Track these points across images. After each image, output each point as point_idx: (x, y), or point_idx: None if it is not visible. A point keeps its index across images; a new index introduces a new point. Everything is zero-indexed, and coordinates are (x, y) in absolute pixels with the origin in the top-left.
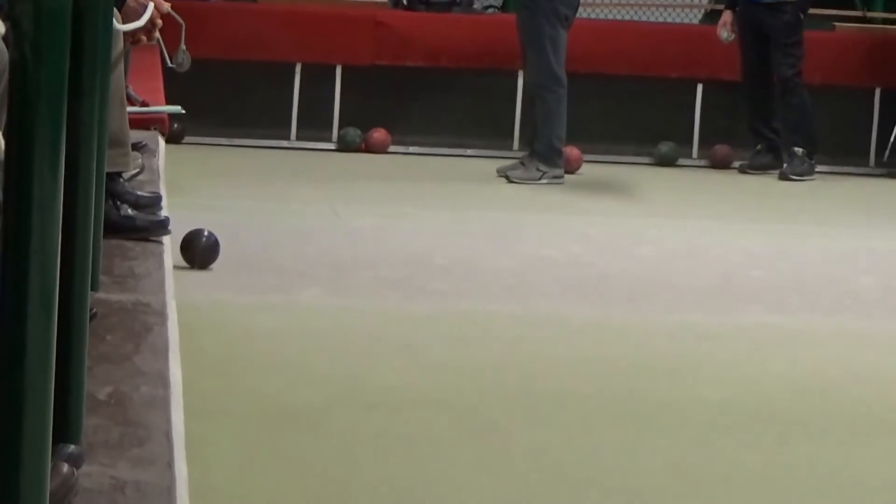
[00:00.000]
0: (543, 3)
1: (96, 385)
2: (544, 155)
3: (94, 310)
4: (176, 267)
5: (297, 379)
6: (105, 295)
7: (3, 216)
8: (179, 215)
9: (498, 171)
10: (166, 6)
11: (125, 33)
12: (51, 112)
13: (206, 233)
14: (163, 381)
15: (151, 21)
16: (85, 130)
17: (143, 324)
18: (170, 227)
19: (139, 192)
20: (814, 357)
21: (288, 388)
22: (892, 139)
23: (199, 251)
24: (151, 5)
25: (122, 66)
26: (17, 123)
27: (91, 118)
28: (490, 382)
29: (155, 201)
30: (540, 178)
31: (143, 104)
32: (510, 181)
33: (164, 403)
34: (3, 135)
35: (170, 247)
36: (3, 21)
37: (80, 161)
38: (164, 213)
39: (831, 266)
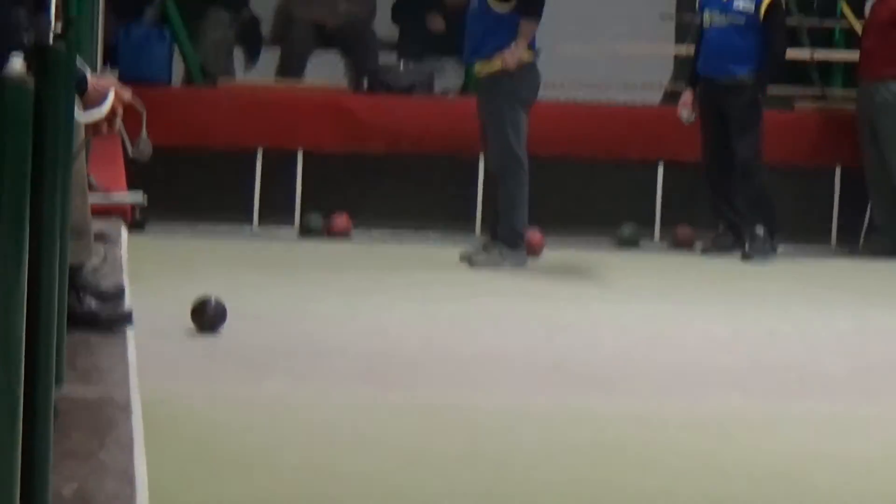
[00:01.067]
0: (505, 85)
1: (62, 481)
2: (507, 239)
3: (59, 406)
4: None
5: (263, 473)
6: (69, 389)
7: None
8: (143, 305)
9: (461, 256)
10: (127, 94)
11: (86, 122)
12: (13, 206)
13: (213, 300)
14: (128, 477)
15: (112, 110)
16: (48, 225)
17: (108, 419)
18: (133, 321)
19: (102, 284)
20: (781, 441)
21: (254, 483)
22: (865, 225)
23: (207, 317)
24: (112, 93)
25: (83, 155)
26: None
27: (54, 212)
28: (456, 474)
29: (118, 294)
30: (502, 263)
31: (105, 193)
32: (473, 266)
33: (130, 500)
34: None
35: (133, 339)
36: None
37: (43, 255)
38: (127, 304)
39: (796, 348)
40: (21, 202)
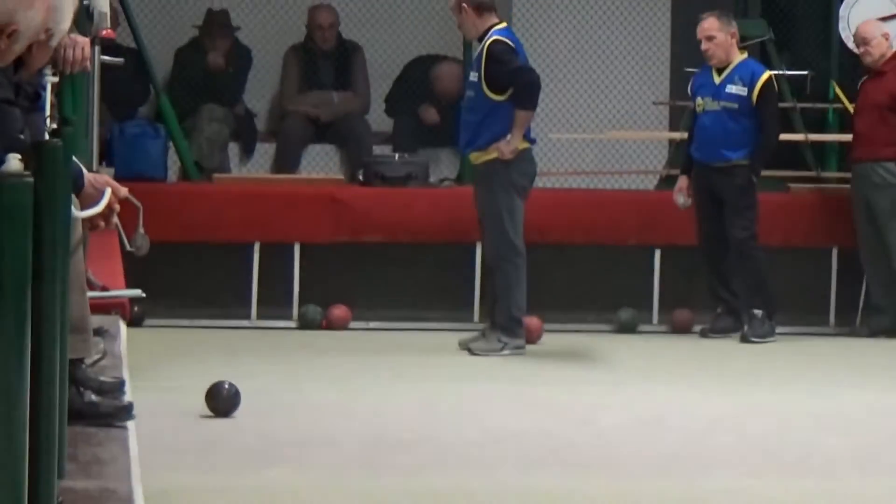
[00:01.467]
0: (501, 174)
1: None
2: (505, 326)
3: (62, 498)
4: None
5: None
6: (71, 483)
7: None
8: (143, 398)
9: (460, 343)
10: (123, 191)
11: (83, 218)
12: (15, 305)
13: (227, 385)
14: None
15: (109, 206)
16: (48, 320)
17: None
18: (134, 413)
19: (102, 378)
20: None
21: None
22: (861, 304)
23: (222, 401)
24: (109, 190)
25: (80, 251)
26: None
27: (53, 307)
28: None
29: (118, 386)
30: (501, 350)
31: (103, 289)
32: (472, 353)
33: None
34: None
35: (134, 431)
36: None
37: (44, 350)
38: (127, 397)
39: (797, 427)
40: (23, 296)
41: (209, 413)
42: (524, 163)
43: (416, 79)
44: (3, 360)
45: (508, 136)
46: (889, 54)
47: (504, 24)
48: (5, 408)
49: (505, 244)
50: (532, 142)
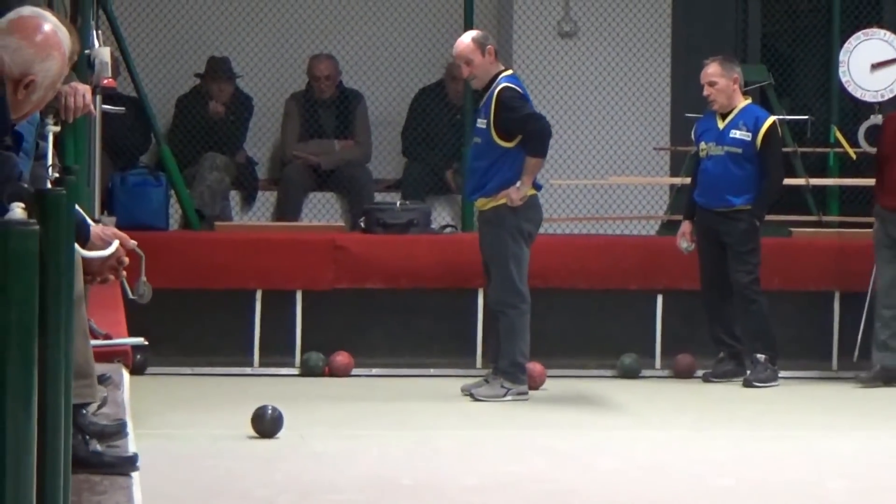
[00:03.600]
0: (509, 220)
1: None
2: (508, 372)
3: None
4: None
5: None
6: None
7: None
8: (147, 446)
9: (462, 389)
10: (132, 243)
11: (90, 272)
12: (23, 352)
13: (270, 408)
14: None
15: (118, 258)
16: (53, 367)
17: None
18: (138, 462)
19: (105, 424)
20: None
21: None
22: (857, 346)
23: (266, 424)
24: (116, 242)
25: (83, 299)
26: None
27: (58, 355)
28: None
29: (120, 429)
30: (504, 395)
31: (106, 337)
32: (475, 399)
33: None
34: None
35: (138, 480)
36: None
37: (49, 398)
38: (131, 446)
39: (800, 471)
40: (30, 344)
41: (211, 459)
42: (531, 209)
43: (425, 113)
44: (11, 409)
45: (518, 183)
46: None
47: (511, 72)
48: (14, 457)
49: (510, 290)
50: (539, 188)
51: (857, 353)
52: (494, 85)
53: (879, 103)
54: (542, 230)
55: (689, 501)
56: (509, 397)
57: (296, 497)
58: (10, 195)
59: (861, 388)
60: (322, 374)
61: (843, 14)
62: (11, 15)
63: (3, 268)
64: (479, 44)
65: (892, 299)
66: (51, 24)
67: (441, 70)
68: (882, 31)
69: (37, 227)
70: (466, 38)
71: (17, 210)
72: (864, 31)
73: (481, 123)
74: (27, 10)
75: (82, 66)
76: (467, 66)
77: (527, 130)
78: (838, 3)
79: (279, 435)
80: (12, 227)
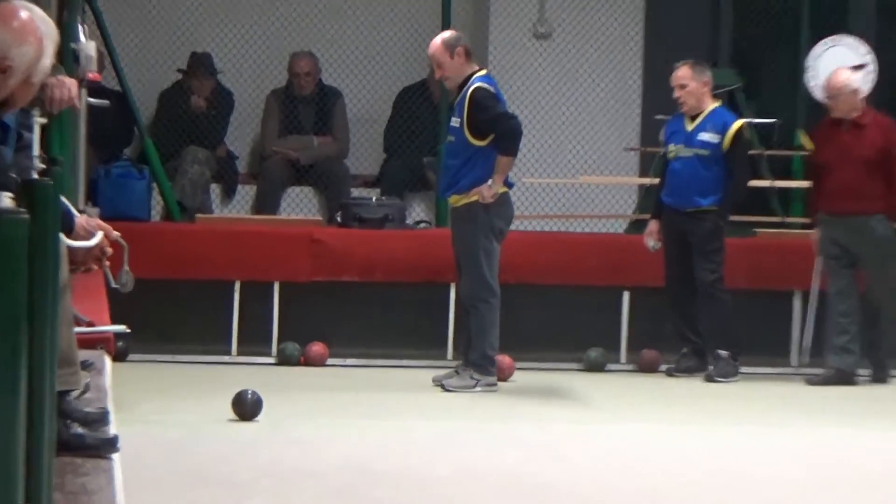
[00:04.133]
0: (481, 216)
1: None
2: (478, 364)
3: None
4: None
5: None
6: None
7: None
8: (128, 431)
9: (434, 380)
10: (115, 234)
11: (75, 261)
12: (11, 339)
13: (250, 392)
14: None
15: (101, 248)
16: (40, 354)
17: None
18: (119, 445)
19: (87, 409)
20: None
21: None
22: (809, 341)
23: (246, 407)
24: (101, 233)
25: (68, 287)
26: None
27: (44, 342)
28: None
29: (102, 417)
30: (474, 387)
31: (89, 324)
32: (446, 390)
33: None
34: None
35: (119, 463)
36: None
37: (35, 383)
38: (112, 429)
39: (762, 463)
40: (19, 331)
41: (191, 445)
42: (503, 206)
43: (408, 110)
44: (1, 394)
45: (490, 181)
46: (862, 108)
47: (485, 71)
48: (2, 439)
49: (481, 285)
50: (510, 186)
51: (802, 352)
52: (468, 85)
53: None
54: (513, 227)
55: (655, 493)
56: (479, 388)
57: (274, 482)
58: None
59: (817, 386)
60: (298, 364)
61: (811, 21)
62: None
63: None
64: (448, 46)
65: (847, 306)
66: (28, 11)
67: (425, 69)
68: (848, 38)
69: (27, 215)
70: (437, 41)
71: (6, 199)
72: (830, 37)
73: (455, 122)
74: None
75: (68, 60)
76: (439, 68)
77: (499, 130)
78: (806, 10)
79: (258, 419)
80: (3, 216)
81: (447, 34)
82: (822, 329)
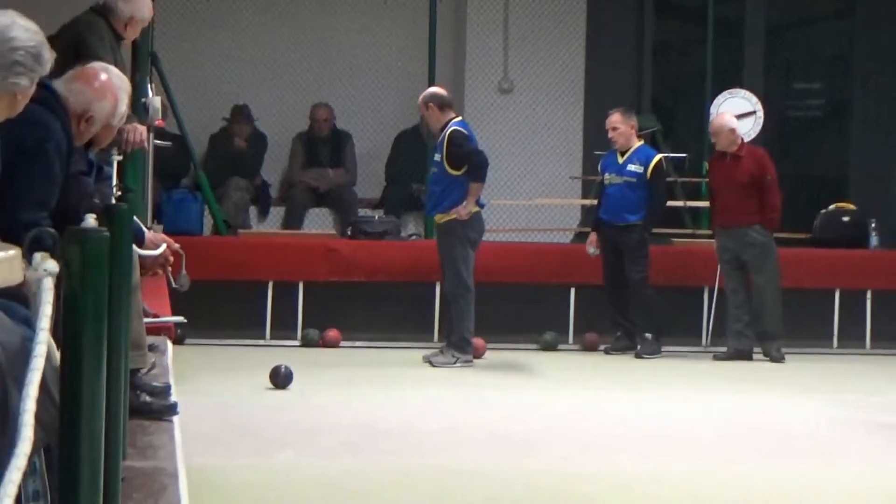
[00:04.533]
0: (458, 230)
1: None
2: (458, 345)
3: (124, 475)
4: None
5: None
6: (131, 462)
7: (60, 410)
8: (185, 399)
9: (423, 358)
10: (175, 245)
11: (144, 267)
12: (95, 330)
13: (283, 367)
14: None
15: (165, 257)
16: (116, 340)
17: (161, 484)
18: (178, 410)
19: (154, 383)
20: (668, 494)
21: None
22: (709, 324)
23: (281, 378)
24: (164, 245)
25: (139, 287)
26: (70, 340)
27: (121, 331)
28: None
29: (166, 389)
30: (455, 363)
31: (155, 316)
32: (433, 365)
33: None
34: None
35: (178, 424)
36: (57, 260)
37: (114, 363)
38: (173, 398)
39: (680, 421)
40: (102, 323)
41: (235, 409)
42: (476, 222)
43: (404, 149)
44: (87, 372)
45: (465, 202)
46: (739, 143)
47: (460, 118)
48: (90, 407)
49: (459, 283)
50: (482, 206)
51: (709, 335)
52: (446, 129)
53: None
54: (485, 238)
55: (596, 444)
56: (458, 364)
57: (299, 437)
58: (86, 209)
59: (719, 362)
60: (318, 346)
61: (714, 76)
62: (78, 67)
63: (82, 265)
64: (424, 101)
65: (740, 300)
66: (106, 73)
67: (417, 117)
68: (742, 91)
69: (107, 233)
70: (420, 98)
71: (90, 220)
72: (729, 90)
73: (437, 157)
74: (92, 63)
75: (139, 111)
76: (421, 117)
77: (470, 162)
78: (710, 68)
79: (290, 388)
80: (89, 234)
81: (426, 92)
82: (721, 318)
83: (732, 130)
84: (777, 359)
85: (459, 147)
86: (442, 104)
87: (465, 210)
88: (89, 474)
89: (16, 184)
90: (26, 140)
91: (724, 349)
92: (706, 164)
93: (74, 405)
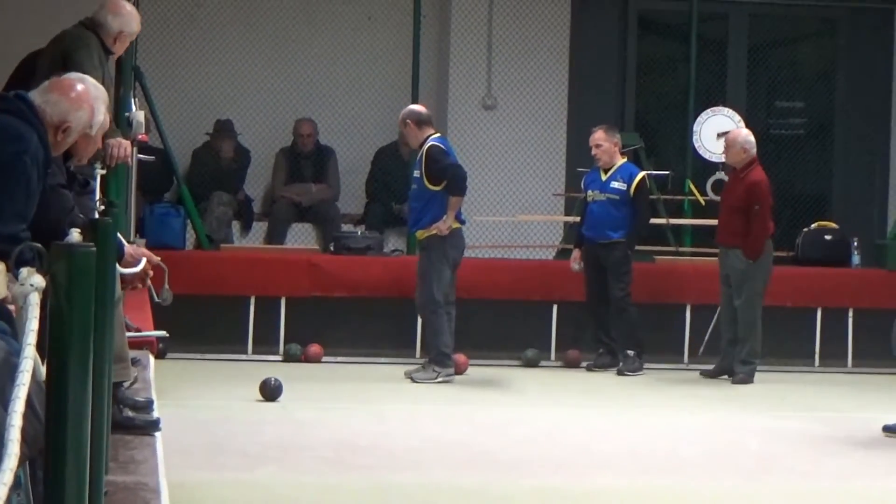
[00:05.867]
0: (438, 246)
1: None
2: (437, 360)
3: (107, 489)
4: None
5: None
6: (113, 477)
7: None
8: (167, 413)
9: (405, 373)
10: (156, 258)
11: (125, 281)
12: (81, 344)
13: (273, 379)
14: None
15: (144, 271)
16: (100, 353)
17: (143, 499)
18: (161, 426)
19: (136, 398)
20: None
21: None
22: (706, 339)
23: (270, 390)
24: (144, 259)
25: (121, 301)
26: (56, 354)
27: (105, 344)
28: None
29: (148, 405)
30: (436, 378)
31: (137, 330)
32: (414, 381)
33: None
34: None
35: (161, 439)
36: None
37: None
38: (155, 413)
39: (661, 438)
40: (88, 336)
41: (216, 424)
42: (456, 238)
43: (383, 165)
44: (74, 385)
45: (444, 217)
46: (748, 162)
47: (439, 134)
48: (74, 419)
49: (429, 299)
50: (462, 223)
51: (702, 350)
52: (424, 145)
53: (722, 163)
54: (467, 254)
55: (577, 461)
56: (440, 379)
57: (280, 452)
58: (70, 223)
59: (704, 378)
60: (300, 361)
61: (697, 94)
62: (54, 78)
63: (68, 279)
64: (402, 119)
65: (726, 316)
66: (82, 83)
67: (396, 132)
68: (725, 109)
69: (94, 248)
70: (400, 116)
71: (75, 234)
72: (711, 108)
73: (416, 173)
74: (68, 74)
75: (123, 125)
76: (400, 134)
77: (449, 177)
78: (693, 86)
79: (279, 400)
80: (75, 249)
81: (405, 110)
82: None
83: (745, 149)
84: (739, 381)
85: (437, 162)
86: (420, 121)
87: (444, 225)
88: (74, 488)
89: None
90: (2, 152)
91: (707, 366)
92: (689, 182)
93: (60, 419)
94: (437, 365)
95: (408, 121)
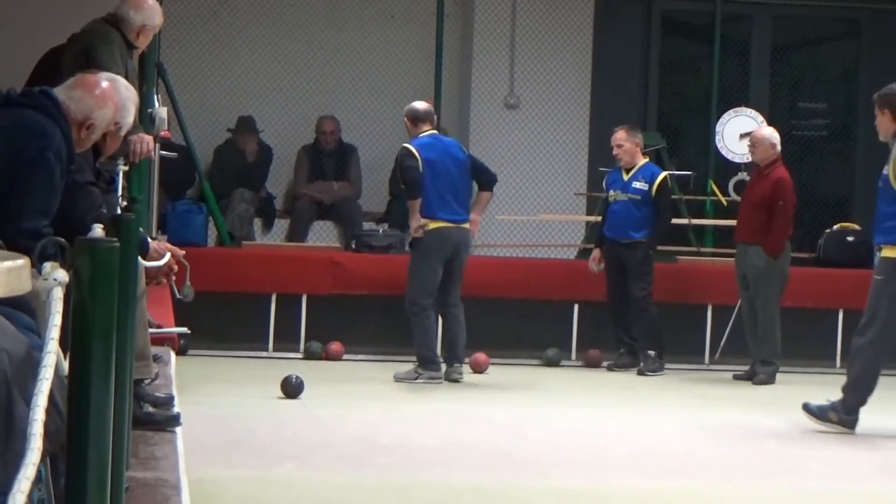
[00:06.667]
0: (419, 247)
1: None
2: (420, 361)
3: (128, 485)
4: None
5: None
6: (134, 473)
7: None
8: (187, 410)
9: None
10: (181, 253)
11: (149, 276)
12: (104, 340)
13: (294, 377)
14: None
15: (169, 266)
16: (122, 349)
17: (163, 496)
18: (181, 421)
19: (157, 394)
20: None
21: None
22: (722, 342)
23: (291, 388)
24: (169, 254)
25: (144, 297)
26: (79, 350)
27: (127, 340)
28: None
29: (169, 401)
30: (416, 379)
31: (158, 326)
32: (395, 380)
33: None
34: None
35: (181, 435)
36: (67, 270)
37: (119, 374)
38: (176, 409)
39: (679, 439)
40: (111, 332)
41: (236, 421)
42: (439, 238)
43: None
44: (96, 381)
45: (410, 221)
46: (772, 160)
47: (432, 132)
48: (96, 416)
49: (410, 300)
50: (452, 221)
51: (719, 352)
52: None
53: (745, 164)
54: (488, 253)
55: (597, 462)
56: (421, 381)
57: (300, 450)
58: (94, 219)
59: (728, 377)
60: (320, 359)
61: (720, 95)
62: (79, 74)
63: (91, 274)
64: (405, 116)
65: (748, 318)
66: (109, 81)
67: None
68: (748, 109)
69: (117, 243)
70: None
71: (98, 230)
72: (734, 108)
73: None
74: (92, 72)
75: (146, 122)
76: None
77: (401, 180)
78: (716, 86)
79: (299, 397)
80: (99, 244)
81: (406, 107)
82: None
83: (773, 145)
84: (760, 382)
85: (398, 164)
86: (415, 118)
87: (412, 227)
88: (96, 484)
89: (16, 191)
90: (26, 147)
91: (729, 368)
92: (711, 182)
93: (83, 415)
94: (420, 366)
95: (405, 118)
